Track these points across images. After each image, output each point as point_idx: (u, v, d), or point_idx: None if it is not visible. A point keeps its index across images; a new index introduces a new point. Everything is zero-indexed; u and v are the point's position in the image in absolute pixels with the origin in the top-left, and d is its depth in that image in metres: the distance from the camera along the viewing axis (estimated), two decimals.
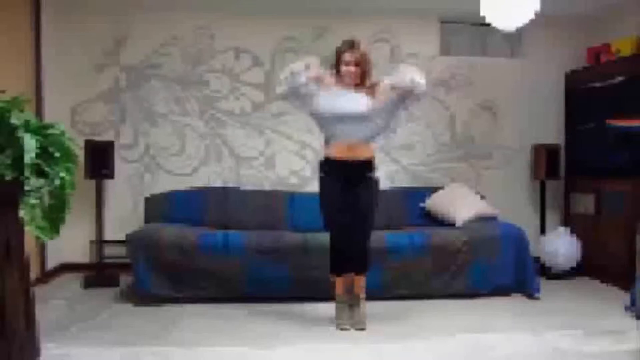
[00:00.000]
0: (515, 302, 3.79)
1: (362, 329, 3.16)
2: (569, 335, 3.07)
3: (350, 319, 3.23)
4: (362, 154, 3.12)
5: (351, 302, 3.26)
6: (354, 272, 3.23)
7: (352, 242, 3.18)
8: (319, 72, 3.08)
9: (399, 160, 4.81)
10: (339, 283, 3.26)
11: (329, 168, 3.18)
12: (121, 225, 4.30)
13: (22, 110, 2.40)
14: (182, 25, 4.58)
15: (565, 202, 4.85)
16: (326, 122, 3.12)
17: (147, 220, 4.18)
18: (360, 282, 3.25)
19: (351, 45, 3.09)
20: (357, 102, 3.06)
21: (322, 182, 3.22)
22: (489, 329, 3.19)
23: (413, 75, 2.96)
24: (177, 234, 3.69)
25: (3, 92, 2.45)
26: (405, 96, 3.04)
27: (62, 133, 2.44)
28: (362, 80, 3.12)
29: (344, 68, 3.09)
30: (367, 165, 3.17)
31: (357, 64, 3.06)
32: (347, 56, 3.07)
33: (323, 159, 3.24)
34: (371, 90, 3.10)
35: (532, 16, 3.24)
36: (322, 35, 4.68)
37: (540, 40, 4.90)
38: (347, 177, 3.13)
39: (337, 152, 3.12)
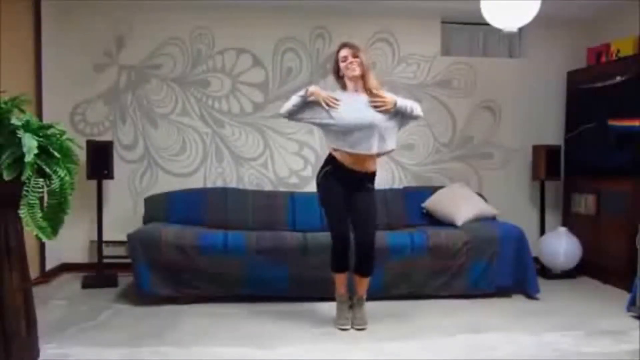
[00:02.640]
0: (515, 302, 3.79)
1: (363, 329, 3.16)
2: (569, 336, 3.08)
3: (350, 319, 3.23)
4: (368, 167, 3.14)
5: (352, 302, 3.26)
6: (358, 275, 3.23)
7: (358, 246, 3.18)
8: (318, 89, 3.11)
9: (399, 160, 4.81)
10: (340, 282, 3.26)
11: (334, 168, 3.16)
12: (121, 225, 4.29)
13: (22, 111, 2.40)
14: (182, 25, 4.58)
15: (565, 202, 4.85)
16: (335, 133, 3.09)
17: (147, 220, 4.18)
18: (364, 284, 3.24)
19: (347, 43, 3.13)
20: (364, 112, 3.06)
21: (325, 177, 3.20)
22: (489, 329, 3.19)
23: (413, 105, 3.14)
24: (177, 234, 3.68)
25: (4, 92, 2.46)
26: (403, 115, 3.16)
27: (62, 133, 2.44)
28: (363, 81, 3.10)
29: (342, 64, 3.10)
30: (370, 177, 3.19)
31: (354, 56, 3.08)
32: (344, 51, 3.10)
33: (329, 157, 3.21)
34: (375, 98, 3.09)
35: (533, 16, 3.24)
36: (322, 35, 4.69)
37: (541, 40, 4.90)
38: (348, 181, 3.13)
39: (345, 160, 3.11)
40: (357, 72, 3.08)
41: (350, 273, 3.27)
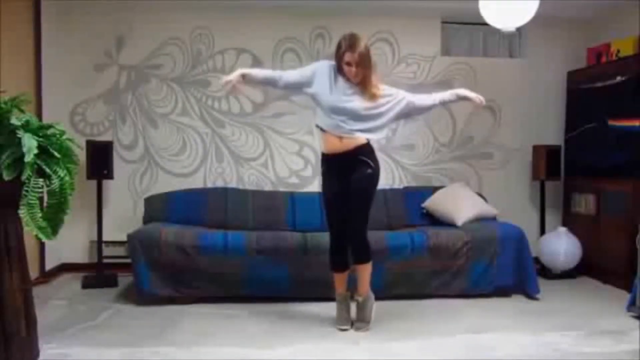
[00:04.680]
0: (515, 303, 3.79)
1: (364, 330, 3.15)
2: (569, 336, 3.08)
3: (349, 319, 3.22)
4: (351, 143, 3.06)
5: (356, 302, 3.25)
6: (355, 262, 3.17)
7: (349, 230, 3.12)
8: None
9: (399, 160, 4.81)
10: (339, 281, 3.25)
11: (325, 164, 3.20)
12: (121, 225, 4.29)
13: (22, 111, 2.40)
14: (182, 25, 4.58)
15: (565, 202, 4.85)
16: (322, 110, 3.11)
17: (147, 220, 4.18)
18: (364, 275, 3.16)
19: (351, 44, 3.02)
20: (354, 102, 3.05)
21: (323, 176, 3.25)
22: (489, 329, 3.19)
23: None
24: (177, 234, 3.68)
25: (4, 92, 2.46)
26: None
27: (62, 133, 2.44)
28: (364, 82, 3.06)
29: (345, 68, 3.07)
30: (359, 151, 3.08)
31: (357, 65, 3.03)
32: (347, 57, 3.03)
33: (322, 153, 3.23)
34: (372, 98, 3.07)
35: (531, 16, 3.24)
36: (322, 35, 4.69)
37: (541, 40, 4.90)
38: (341, 169, 3.11)
39: (327, 146, 3.12)
40: (357, 80, 3.07)
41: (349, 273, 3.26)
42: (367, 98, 3.07)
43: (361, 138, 3.07)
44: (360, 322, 3.19)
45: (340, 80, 3.10)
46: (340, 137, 3.07)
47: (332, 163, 3.15)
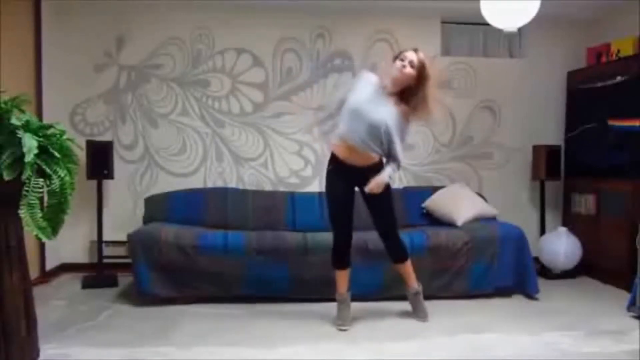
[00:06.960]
0: (515, 303, 3.79)
1: (424, 321, 3.31)
2: (569, 336, 3.08)
3: (350, 319, 3.23)
4: (363, 161, 3.07)
5: (349, 302, 3.26)
6: (395, 262, 3.33)
7: (382, 237, 3.28)
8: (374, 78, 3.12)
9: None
10: (340, 279, 3.25)
11: (334, 166, 3.19)
12: (121, 225, 4.30)
13: (22, 111, 2.40)
14: (182, 25, 4.58)
15: (565, 202, 4.85)
16: (345, 114, 3.07)
17: (147, 220, 4.18)
18: (406, 272, 3.36)
19: (421, 59, 3.02)
20: (381, 112, 2.97)
21: (328, 175, 3.23)
22: (489, 329, 3.19)
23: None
24: (177, 234, 3.68)
25: (4, 92, 2.46)
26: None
27: (62, 133, 2.44)
28: (403, 90, 3.01)
29: (398, 63, 3.01)
30: (372, 168, 3.07)
31: (412, 67, 2.99)
32: (410, 55, 3.01)
33: (331, 154, 3.21)
34: (402, 110, 3.01)
35: (532, 16, 3.24)
36: (322, 35, 4.68)
37: (541, 40, 4.90)
38: (350, 177, 3.12)
39: (341, 152, 3.11)
40: (399, 85, 3.01)
41: (351, 272, 3.28)
42: (395, 109, 2.99)
43: (370, 158, 3.07)
44: (418, 315, 3.36)
45: (380, 95, 3.04)
46: (351, 148, 3.05)
47: (342, 168, 3.14)
